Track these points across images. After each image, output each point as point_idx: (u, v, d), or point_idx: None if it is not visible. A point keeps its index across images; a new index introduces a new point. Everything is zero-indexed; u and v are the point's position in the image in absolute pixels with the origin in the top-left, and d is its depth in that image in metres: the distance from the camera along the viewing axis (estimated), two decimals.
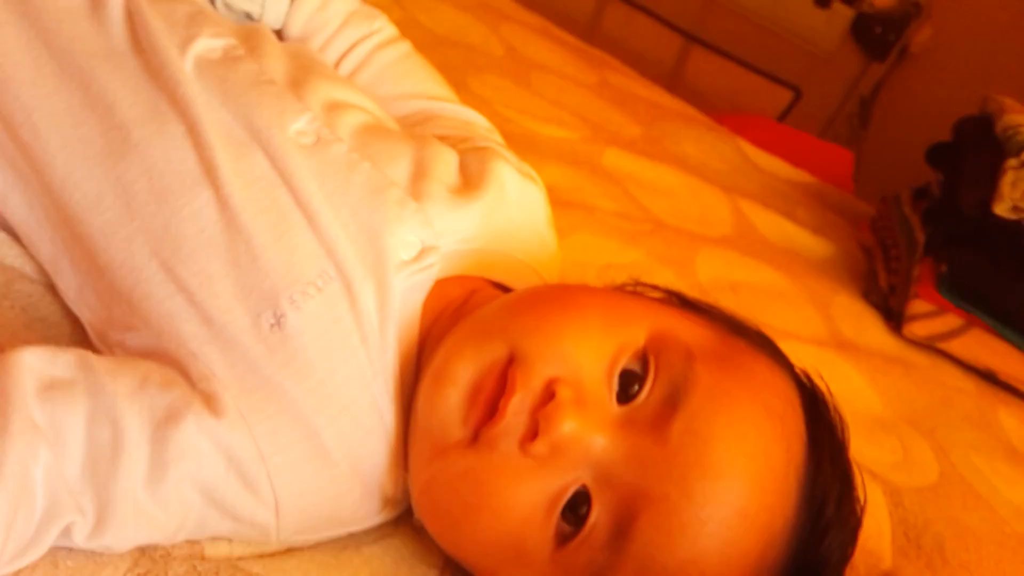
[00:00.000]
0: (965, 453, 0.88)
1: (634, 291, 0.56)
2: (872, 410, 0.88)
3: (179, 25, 0.56)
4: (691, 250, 0.99)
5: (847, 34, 2.22)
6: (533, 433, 0.45)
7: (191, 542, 0.47)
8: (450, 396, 0.48)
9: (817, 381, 0.54)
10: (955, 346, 1.04)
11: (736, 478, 0.45)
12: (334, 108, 0.57)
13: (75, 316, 0.54)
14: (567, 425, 0.45)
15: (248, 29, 0.61)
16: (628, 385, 0.48)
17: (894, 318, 1.07)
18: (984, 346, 1.05)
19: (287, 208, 0.51)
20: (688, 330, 0.50)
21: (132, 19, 0.56)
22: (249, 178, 0.51)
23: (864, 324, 1.06)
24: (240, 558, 0.48)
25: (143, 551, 0.46)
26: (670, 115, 1.36)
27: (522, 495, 0.46)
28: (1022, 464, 0.92)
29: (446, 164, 0.58)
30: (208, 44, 0.55)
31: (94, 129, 0.52)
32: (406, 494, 0.52)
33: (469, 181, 0.58)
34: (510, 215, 0.60)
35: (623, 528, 0.45)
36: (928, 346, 1.05)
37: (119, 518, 0.43)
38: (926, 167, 1.24)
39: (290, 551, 0.50)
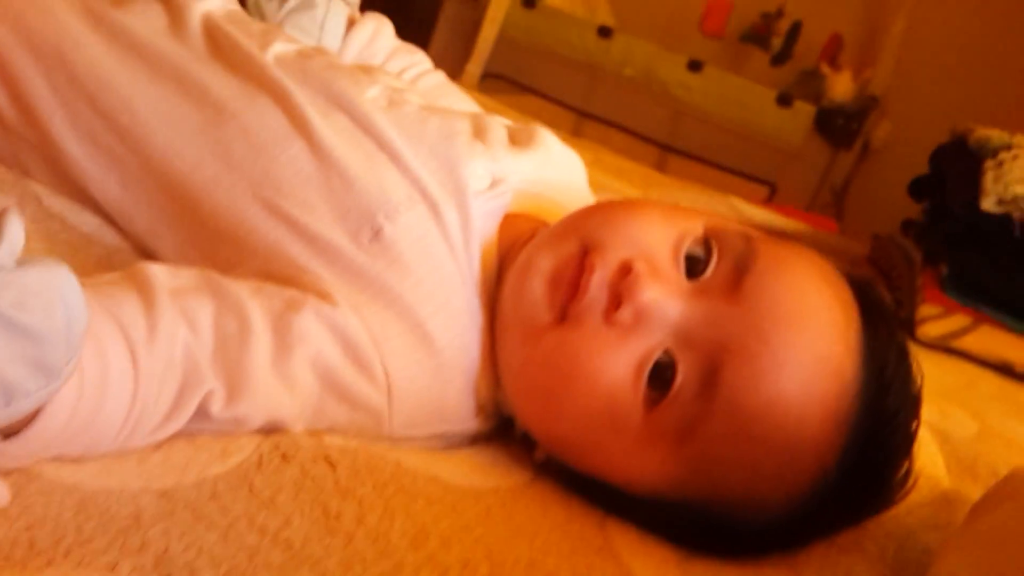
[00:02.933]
0: (1000, 419, 0.92)
1: None
2: None
3: (255, 35, 0.64)
4: None
5: (812, 129, 2.37)
6: (616, 304, 0.50)
7: (311, 432, 0.50)
8: (535, 284, 0.52)
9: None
10: (968, 342, 1.09)
11: (806, 326, 0.50)
12: (397, 90, 0.64)
13: None
14: (647, 293, 0.50)
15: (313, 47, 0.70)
16: (693, 266, 0.53)
17: (906, 326, 1.12)
18: (996, 340, 1.10)
19: (372, 151, 0.57)
20: (741, 225, 0.56)
21: (211, 33, 0.64)
22: (336, 129, 0.58)
23: None
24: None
25: (271, 431, 0.48)
26: (664, 182, 1.46)
27: (611, 362, 0.50)
28: None
29: (498, 128, 0.65)
30: (283, 47, 0.63)
31: (191, 108, 0.59)
32: (496, 405, 0.56)
33: (519, 142, 0.65)
34: (558, 174, 0.67)
35: (709, 381, 0.49)
36: (943, 347, 1.10)
37: (251, 388, 0.46)
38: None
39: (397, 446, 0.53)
